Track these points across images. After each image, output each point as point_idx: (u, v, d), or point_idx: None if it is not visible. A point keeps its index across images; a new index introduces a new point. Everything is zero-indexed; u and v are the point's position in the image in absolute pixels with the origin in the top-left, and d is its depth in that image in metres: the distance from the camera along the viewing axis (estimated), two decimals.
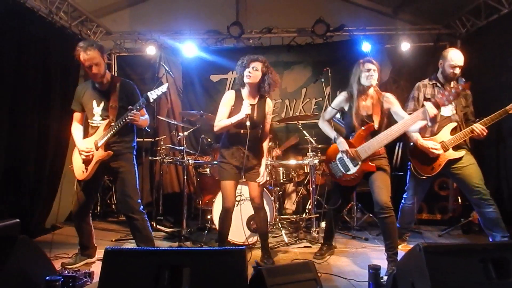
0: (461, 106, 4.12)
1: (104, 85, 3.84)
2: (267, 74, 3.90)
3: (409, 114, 3.81)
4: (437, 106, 3.49)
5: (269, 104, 4.08)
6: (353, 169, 3.93)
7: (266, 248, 4.18)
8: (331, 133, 4.07)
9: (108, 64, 5.06)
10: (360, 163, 3.86)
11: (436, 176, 4.21)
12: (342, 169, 4.01)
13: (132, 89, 3.92)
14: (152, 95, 3.61)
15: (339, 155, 4.01)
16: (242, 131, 3.87)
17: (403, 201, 4.47)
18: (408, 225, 4.60)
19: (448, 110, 4.09)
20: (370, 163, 3.83)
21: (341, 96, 4.04)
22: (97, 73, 3.70)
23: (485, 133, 3.91)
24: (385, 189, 3.76)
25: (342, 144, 3.93)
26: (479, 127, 3.89)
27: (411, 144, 4.22)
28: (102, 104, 3.82)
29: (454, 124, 4.07)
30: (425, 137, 4.14)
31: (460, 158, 4.03)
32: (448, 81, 4.10)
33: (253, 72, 3.85)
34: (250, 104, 3.88)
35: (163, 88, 3.63)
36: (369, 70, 3.82)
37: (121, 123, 3.68)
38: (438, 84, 4.16)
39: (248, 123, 3.79)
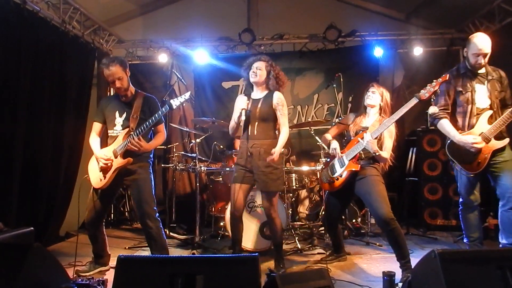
0: (496, 91, 3.74)
1: (128, 98, 3.95)
2: (271, 72, 4.00)
3: (440, 109, 3.86)
4: (419, 99, 3.57)
5: (277, 95, 3.96)
6: (339, 170, 3.98)
7: (278, 258, 4.10)
8: (327, 139, 4.18)
9: None
10: (346, 164, 3.90)
11: (452, 181, 4.05)
12: (329, 173, 4.09)
13: (155, 103, 4.00)
14: (175, 102, 3.69)
15: (332, 162, 4.11)
16: (250, 127, 3.92)
17: (460, 206, 4.01)
18: (476, 236, 3.93)
19: (483, 102, 3.74)
20: (354, 163, 3.86)
21: (351, 115, 4.24)
22: (120, 87, 3.83)
23: None
24: (383, 201, 3.69)
25: (333, 143, 4.07)
26: None
27: (449, 141, 3.85)
28: (124, 115, 3.89)
29: (490, 112, 3.70)
30: (462, 132, 3.77)
31: (504, 149, 3.66)
32: (476, 70, 3.78)
33: (257, 71, 3.96)
34: (255, 99, 3.99)
35: (186, 95, 3.73)
36: (368, 92, 4.05)
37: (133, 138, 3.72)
38: (468, 73, 3.81)
39: (243, 117, 3.88)
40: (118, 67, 3.77)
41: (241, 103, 3.93)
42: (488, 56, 3.71)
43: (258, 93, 4.04)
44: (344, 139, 4.20)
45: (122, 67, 3.81)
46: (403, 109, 3.66)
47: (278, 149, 3.80)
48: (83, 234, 4.32)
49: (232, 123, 4.06)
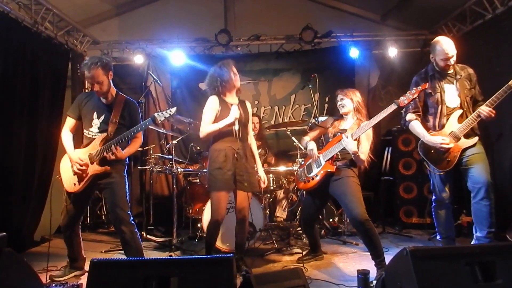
0: (466, 89, 3.82)
1: (108, 100, 3.82)
2: None
3: (411, 112, 3.95)
4: (398, 105, 3.63)
5: (250, 105, 4.23)
6: (315, 170, 4.03)
7: (243, 258, 4.12)
8: (305, 141, 4.22)
9: None
10: (323, 164, 3.95)
11: (426, 180, 4.12)
12: (306, 173, 4.14)
13: (135, 108, 3.90)
14: (160, 116, 3.64)
15: (308, 162, 4.15)
16: (232, 130, 3.90)
17: (433, 203, 4.08)
18: (448, 233, 4.05)
19: (453, 101, 3.83)
20: (330, 164, 3.90)
21: (330, 118, 4.29)
22: (98, 91, 3.70)
23: (493, 115, 3.61)
24: (358, 202, 3.74)
25: (310, 144, 4.11)
26: (485, 109, 3.60)
27: (420, 141, 3.95)
28: (102, 117, 3.76)
29: (459, 111, 3.80)
30: (433, 131, 3.89)
31: (473, 145, 3.75)
32: (445, 72, 3.89)
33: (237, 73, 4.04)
34: (234, 104, 3.99)
35: (172, 111, 3.69)
36: (338, 101, 4.13)
37: (110, 148, 3.65)
38: (437, 75, 3.90)
39: (237, 127, 3.86)
40: (100, 70, 3.62)
41: (235, 112, 3.85)
42: (455, 57, 3.81)
43: (233, 98, 4.05)
44: (320, 139, 4.24)
45: (104, 70, 3.66)
46: (382, 114, 3.70)
47: (262, 170, 4.24)
48: (58, 239, 4.26)
49: (214, 128, 3.87)
